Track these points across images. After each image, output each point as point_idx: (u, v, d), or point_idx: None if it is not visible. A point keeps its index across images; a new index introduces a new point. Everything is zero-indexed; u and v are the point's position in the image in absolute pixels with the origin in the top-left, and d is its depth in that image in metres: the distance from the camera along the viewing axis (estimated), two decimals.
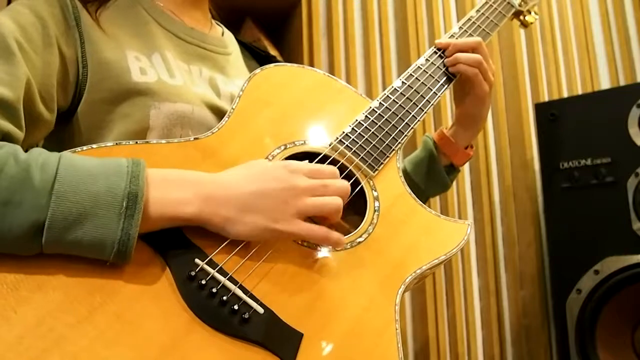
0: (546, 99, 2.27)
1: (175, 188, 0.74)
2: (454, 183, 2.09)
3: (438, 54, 1.13)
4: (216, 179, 0.78)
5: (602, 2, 2.44)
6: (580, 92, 2.33)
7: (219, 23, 1.17)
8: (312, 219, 0.83)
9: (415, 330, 2.00)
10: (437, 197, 2.10)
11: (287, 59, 1.94)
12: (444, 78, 1.11)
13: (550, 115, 1.97)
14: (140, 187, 0.70)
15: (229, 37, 1.15)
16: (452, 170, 1.22)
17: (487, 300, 2.08)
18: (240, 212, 0.76)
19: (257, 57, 1.22)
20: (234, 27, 1.25)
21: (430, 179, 1.20)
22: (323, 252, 0.83)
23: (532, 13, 1.32)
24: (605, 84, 2.36)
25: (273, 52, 1.90)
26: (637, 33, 2.42)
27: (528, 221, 2.14)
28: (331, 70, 2.06)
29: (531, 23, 1.32)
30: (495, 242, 2.14)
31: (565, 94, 2.32)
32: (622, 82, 2.36)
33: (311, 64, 1.98)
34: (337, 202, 0.81)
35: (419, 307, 2.01)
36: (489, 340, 2.06)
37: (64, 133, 0.91)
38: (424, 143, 1.22)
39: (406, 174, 1.19)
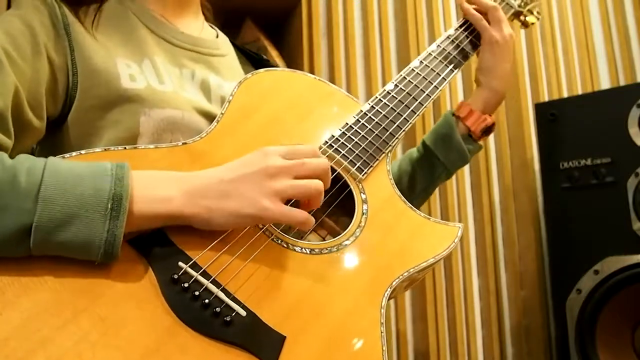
0: (546, 99, 2.26)
1: (158, 187, 0.75)
2: (454, 183, 2.11)
3: (433, 56, 1.14)
4: (198, 174, 0.79)
5: (602, 2, 2.44)
6: (580, 92, 2.32)
7: (212, 25, 1.17)
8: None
9: (415, 330, 2.00)
10: (437, 197, 2.10)
11: (287, 59, 1.95)
12: (438, 80, 1.11)
13: (550, 115, 1.96)
14: (124, 188, 0.71)
15: (223, 40, 1.16)
16: (471, 141, 1.20)
17: (487, 300, 2.08)
18: (218, 201, 0.76)
19: (252, 61, 1.23)
20: (234, 27, 1.25)
21: (447, 148, 1.18)
22: (308, 255, 0.84)
23: (535, 13, 1.31)
24: (605, 84, 2.35)
25: (273, 52, 1.90)
26: (637, 33, 2.41)
27: (528, 221, 2.14)
28: (331, 70, 2.06)
29: (532, 23, 1.31)
30: (495, 242, 2.14)
31: (565, 94, 2.31)
32: (622, 82, 2.35)
33: (311, 64, 1.99)
34: (317, 184, 0.81)
35: (419, 308, 2.01)
36: (489, 340, 2.05)
37: (56, 140, 0.92)
38: (444, 114, 1.22)
39: (427, 148, 1.20)
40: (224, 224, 0.77)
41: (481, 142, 1.22)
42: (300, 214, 0.79)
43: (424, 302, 2.00)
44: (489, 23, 1.19)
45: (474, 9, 1.21)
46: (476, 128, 1.19)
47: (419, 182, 1.22)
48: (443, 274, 2.05)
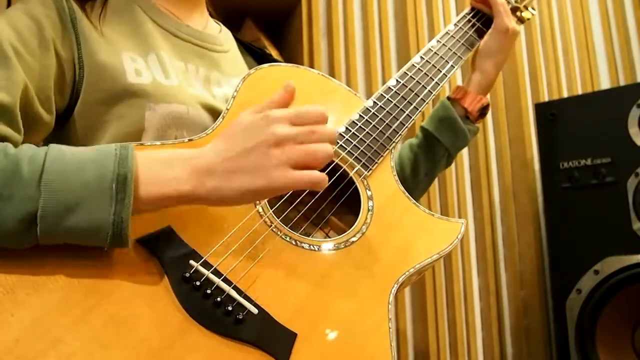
0: (546, 99, 2.27)
1: (165, 167, 0.74)
2: (454, 182, 2.11)
3: (433, 52, 1.14)
4: (202, 151, 0.76)
5: (602, 2, 2.44)
6: (580, 92, 2.33)
7: (217, 21, 1.17)
8: None
9: (415, 330, 2.00)
10: (437, 196, 2.10)
11: (287, 59, 1.94)
12: (439, 76, 1.11)
13: (550, 115, 1.97)
14: (128, 169, 0.69)
15: (227, 35, 1.16)
16: (469, 122, 1.22)
17: (487, 300, 2.08)
18: (227, 178, 0.74)
19: (255, 56, 1.23)
20: (234, 27, 1.25)
21: (447, 129, 1.20)
22: (317, 252, 0.84)
23: (530, 9, 1.32)
24: (605, 84, 2.36)
25: (273, 52, 1.90)
26: (637, 33, 2.41)
27: (528, 221, 2.14)
28: (331, 70, 2.06)
29: (528, 19, 1.32)
30: (495, 242, 2.14)
31: (565, 94, 2.32)
32: (622, 82, 2.35)
33: (311, 64, 1.98)
34: (327, 148, 0.78)
35: (419, 307, 2.01)
36: (489, 340, 2.05)
37: (61, 134, 0.91)
38: (440, 100, 1.24)
39: (426, 132, 1.21)
40: (239, 200, 0.75)
41: (478, 125, 1.24)
42: (311, 175, 0.76)
43: (424, 302, 2.00)
44: None
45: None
46: (473, 108, 1.21)
47: (422, 167, 1.22)
48: (443, 274, 2.05)
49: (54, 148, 0.71)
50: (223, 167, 0.74)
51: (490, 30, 1.21)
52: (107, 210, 0.68)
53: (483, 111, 1.23)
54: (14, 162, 0.68)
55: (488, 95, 1.24)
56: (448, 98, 1.22)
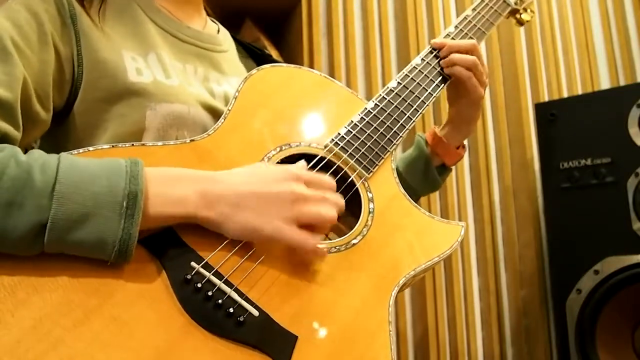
0: (546, 99, 2.27)
1: (173, 186, 0.75)
2: (454, 183, 2.11)
3: (434, 54, 1.13)
4: (214, 176, 0.79)
5: (602, 2, 2.44)
6: (580, 92, 2.33)
7: (214, 20, 1.17)
8: None
9: (415, 330, 2.00)
10: (437, 197, 2.10)
11: (287, 59, 1.94)
12: (439, 78, 1.11)
13: (550, 115, 1.97)
14: (139, 187, 0.70)
15: (225, 35, 1.16)
16: (444, 170, 1.23)
17: (487, 300, 2.08)
18: (234, 209, 0.76)
19: (254, 56, 1.22)
20: (234, 27, 1.25)
21: (422, 178, 1.21)
22: None
23: (529, 11, 1.33)
24: (605, 84, 2.36)
25: (273, 52, 1.90)
26: (637, 33, 2.41)
27: (528, 221, 2.14)
28: (331, 70, 2.06)
29: (527, 21, 1.33)
30: (495, 242, 2.14)
31: (565, 94, 2.32)
32: (622, 82, 2.36)
33: (311, 64, 1.98)
34: (333, 214, 0.81)
35: (419, 307, 2.01)
36: (489, 340, 2.06)
37: (59, 133, 0.91)
38: (417, 142, 1.23)
39: (398, 173, 1.18)
40: (234, 233, 0.77)
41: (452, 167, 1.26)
42: (311, 244, 0.79)
43: (424, 301, 2.00)
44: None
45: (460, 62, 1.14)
46: (452, 163, 1.22)
47: None
48: (443, 274, 2.05)
49: (66, 158, 0.72)
50: (234, 199, 0.77)
51: (466, 101, 1.16)
52: (116, 225, 0.68)
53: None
54: (26, 170, 0.68)
55: (465, 142, 1.25)
56: (426, 142, 1.21)
